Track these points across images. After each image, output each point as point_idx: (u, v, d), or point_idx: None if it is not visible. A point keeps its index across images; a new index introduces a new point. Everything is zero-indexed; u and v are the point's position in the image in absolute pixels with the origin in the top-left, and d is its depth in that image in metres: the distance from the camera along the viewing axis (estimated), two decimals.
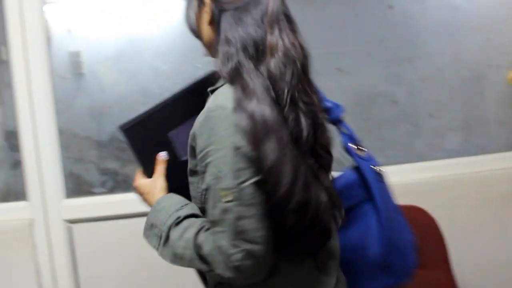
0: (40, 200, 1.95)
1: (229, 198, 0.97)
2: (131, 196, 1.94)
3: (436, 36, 2.34)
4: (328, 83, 2.38)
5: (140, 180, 1.18)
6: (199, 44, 2.12)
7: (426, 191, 2.02)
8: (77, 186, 2.12)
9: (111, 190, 2.17)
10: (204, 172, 1.02)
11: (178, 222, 1.07)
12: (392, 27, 2.35)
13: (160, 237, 1.08)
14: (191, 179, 1.11)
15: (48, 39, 1.92)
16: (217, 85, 1.09)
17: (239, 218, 0.97)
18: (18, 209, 1.96)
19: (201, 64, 2.09)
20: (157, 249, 1.09)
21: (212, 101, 1.04)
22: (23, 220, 1.95)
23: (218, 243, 0.99)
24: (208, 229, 1.03)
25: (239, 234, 0.97)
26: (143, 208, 1.18)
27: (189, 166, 1.11)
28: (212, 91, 1.09)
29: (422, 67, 2.36)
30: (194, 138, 1.05)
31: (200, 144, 1.02)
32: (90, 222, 1.92)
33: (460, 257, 1.90)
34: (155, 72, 2.21)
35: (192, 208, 1.11)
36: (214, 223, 1.01)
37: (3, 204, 2.08)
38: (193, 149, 1.06)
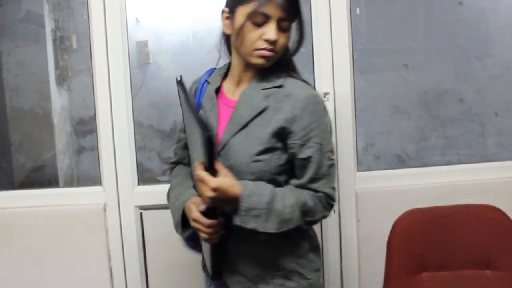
0: (115, 186, 1.98)
1: (333, 156, 1.36)
2: None
3: (507, 34, 2.29)
4: (395, 79, 2.35)
5: (218, 180, 1.24)
6: None
7: (498, 192, 1.98)
8: (140, 174, 2.14)
9: None
10: (302, 145, 1.31)
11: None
12: (462, 24, 2.31)
13: (259, 216, 1.27)
14: (265, 156, 1.32)
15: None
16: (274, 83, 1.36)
17: (334, 169, 1.37)
18: (93, 194, 1.99)
19: None
20: (257, 227, 1.27)
21: (301, 92, 1.33)
22: (98, 204, 1.98)
23: (323, 190, 1.33)
24: (296, 187, 1.33)
25: (334, 181, 1.37)
26: None
27: (266, 145, 1.31)
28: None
29: (491, 65, 2.31)
30: (292, 122, 1.30)
31: (302, 124, 1.30)
32: (160, 210, 1.94)
33: None
34: (219, 63, 2.21)
35: (267, 183, 1.32)
36: (317, 179, 1.32)
37: (78, 189, 2.11)
38: (283, 131, 1.31)
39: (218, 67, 1.48)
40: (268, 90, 1.34)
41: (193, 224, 1.31)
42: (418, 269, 1.70)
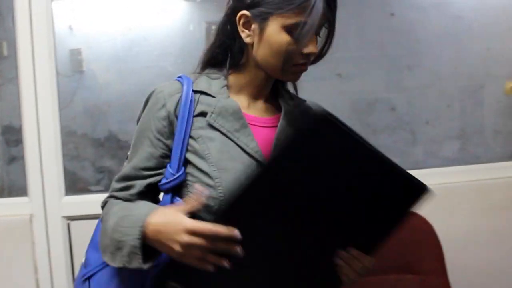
0: (41, 196, 1.94)
1: None
2: None
3: (437, 45, 2.36)
4: (328, 89, 2.39)
5: None
6: (199, 43, 2.13)
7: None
8: (72, 183, 2.11)
9: (107, 188, 2.15)
10: None
11: None
12: (393, 35, 2.37)
13: None
14: None
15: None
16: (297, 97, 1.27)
17: None
18: (19, 204, 1.95)
19: None
20: None
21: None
22: (24, 215, 1.94)
23: None
24: None
25: None
26: None
27: None
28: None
29: (421, 75, 2.38)
30: None
31: None
32: (88, 220, 1.91)
33: (456, 264, 1.90)
34: (155, 71, 2.21)
35: None
36: None
37: (4, 199, 2.08)
38: None
39: (193, 74, 1.22)
40: (299, 106, 1.23)
41: (189, 239, 0.94)
42: None
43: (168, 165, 1.12)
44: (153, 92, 1.15)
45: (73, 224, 1.97)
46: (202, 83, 1.15)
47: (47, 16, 1.90)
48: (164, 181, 1.12)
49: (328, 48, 1.16)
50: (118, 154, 2.23)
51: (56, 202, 1.95)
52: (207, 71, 1.20)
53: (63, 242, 1.96)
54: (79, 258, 1.96)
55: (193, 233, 0.94)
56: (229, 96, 1.15)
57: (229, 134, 1.11)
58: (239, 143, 1.10)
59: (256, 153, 1.10)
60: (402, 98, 2.40)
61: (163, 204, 1.11)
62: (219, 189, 1.07)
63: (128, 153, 1.19)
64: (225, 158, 1.09)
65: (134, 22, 2.23)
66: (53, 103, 1.92)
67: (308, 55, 1.09)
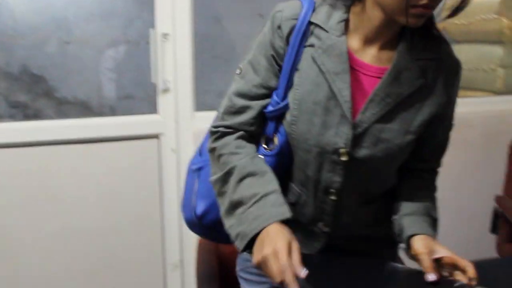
0: None
1: None
2: (38, 124, 1.96)
3: None
4: (249, 29, 2.39)
5: None
6: None
7: None
8: None
9: None
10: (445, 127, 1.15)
11: None
12: None
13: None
14: (408, 149, 1.10)
15: None
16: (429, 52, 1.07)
17: None
18: None
19: None
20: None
21: (457, 65, 1.11)
22: None
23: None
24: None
25: None
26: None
27: (415, 136, 1.08)
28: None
29: None
30: (447, 105, 1.10)
31: (452, 107, 1.13)
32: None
33: None
34: (70, 1, 2.15)
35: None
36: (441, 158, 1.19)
37: None
38: (435, 117, 1.09)
39: None
40: (424, 62, 1.05)
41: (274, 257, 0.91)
42: None
43: (274, 92, 1.09)
44: (274, 11, 1.08)
45: None
46: (322, 13, 1.05)
47: None
48: (270, 108, 1.08)
49: None
50: (33, 88, 2.18)
51: None
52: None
53: None
54: None
55: (275, 254, 0.92)
56: (344, 33, 1.04)
57: (327, 74, 1.03)
58: (333, 86, 1.03)
59: (345, 102, 1.03)
60: None
61: (269, 131, 1.10)
62: (293, 128, 1.07)
63: (240, 67, 1.13)
64: (311, 99, 1.05)
65: None
66: None
67: None
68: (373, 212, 1.18)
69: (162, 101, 2.01)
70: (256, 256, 0.95)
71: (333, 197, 1.11)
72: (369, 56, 1.05)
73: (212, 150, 1.12)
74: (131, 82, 2.16)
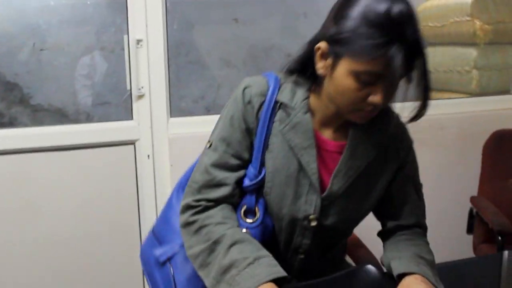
0: None
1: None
2: (14, 132, 1.94)
3: None
4: (225, 33, 2.40)
5: None
6: None
7: None
8: None
9: None
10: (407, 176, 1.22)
11: None
12: None
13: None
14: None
15: None
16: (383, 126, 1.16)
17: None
18: None
19: (90, 1, 2.05)
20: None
21: (406, 133, 1.21)
22: None
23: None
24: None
25: None
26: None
27: (378, 198, 1.20)
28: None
29: (317, 22, 2.41)
30: (403, 167, 1.21)
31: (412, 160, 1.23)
32: None
33: None
34: (43, 8, 2.13)
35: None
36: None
37: None
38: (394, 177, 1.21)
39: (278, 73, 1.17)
40: (376, 135, 1.15)
41: None
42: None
43: (250, 166, 1.14)
44: (242, 86, 1.14)
45: None
46: (287, 92, 1.13)
47: None
48: (247, 182, 1.13)
49: (423, 108, 1.05)
50: (7, 96, 2.17)
51: None
52: (295, 77, 1.15)
53: None
54: None
55: None
56: (308, 110, 1.13)
57: (295, 149, 1.12)
58: (301, 160, 1.11)
59: (313, 174, 1.12)
60: (297, 45, 2.43)
61: (249, 203, 1.15)
62: (267, 198, 1.15)
63: (210, 141, 1.17)
64: (283, 172, 1.13)
65: None
66: None
67: (374, 104, 1.02)
68: (332, 254, 1.30)
69: (137, 107, 2.01)
70: None
71: (301, 256, 1.21)
72: (328, 132, 1.15)
73: (191, 223, 1.12)
74: (106, 88, 2.15)
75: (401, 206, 1.22)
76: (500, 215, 2.06)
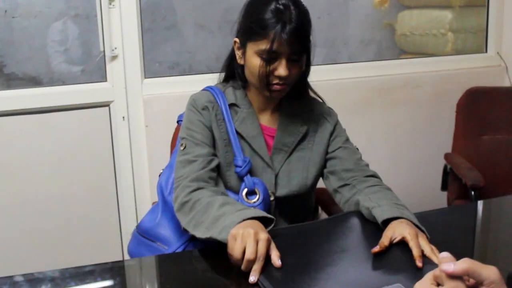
0: None
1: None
2: None
3: None
4: (202, 1, 2.39)
5: None
6: None
7: None
8: None
9: None
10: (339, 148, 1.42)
11: None
12: None
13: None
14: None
15: None
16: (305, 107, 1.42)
17: None
18: None
19: None
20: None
21: (331, 111, 1.46)
22: None
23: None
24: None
25: None
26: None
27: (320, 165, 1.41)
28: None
29: None
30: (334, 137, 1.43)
31: (340, 133, 1.44)
32: None
33: None
34: None
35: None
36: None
37: None
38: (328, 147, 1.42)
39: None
40: (303, 115, 1.40)
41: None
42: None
43: (234, 158, 1.34)
44: (191, 100, 1.38)
45: None
46: (230, 95, 1.39)
47: None
48: (238, 169, 1.33)
49: (307, 71, 1.37)
50: None
51: None
52: (231, 82, 1.41)
53: None
54: None
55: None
56: (250, 105, 1.38)
57: (247, 139, 1.36)
58: (253, 146, 1.35)
59: (266, 156, 1.36)
60: None
61: (248, 185, 1.32)
62: None
63: (183, 144, 1.34)
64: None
65: None
66: None
67: (280, 77, 1.27)
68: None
69: (111, 68, 2.01)
70: (233, 231, 1.07)
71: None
72: (266, 119, 1.40)
73: (185, 202, 1.23)
74: (79, 53, 2.14)
75: (351, 160, 1.39)
76: (473, 171, 2.09)
